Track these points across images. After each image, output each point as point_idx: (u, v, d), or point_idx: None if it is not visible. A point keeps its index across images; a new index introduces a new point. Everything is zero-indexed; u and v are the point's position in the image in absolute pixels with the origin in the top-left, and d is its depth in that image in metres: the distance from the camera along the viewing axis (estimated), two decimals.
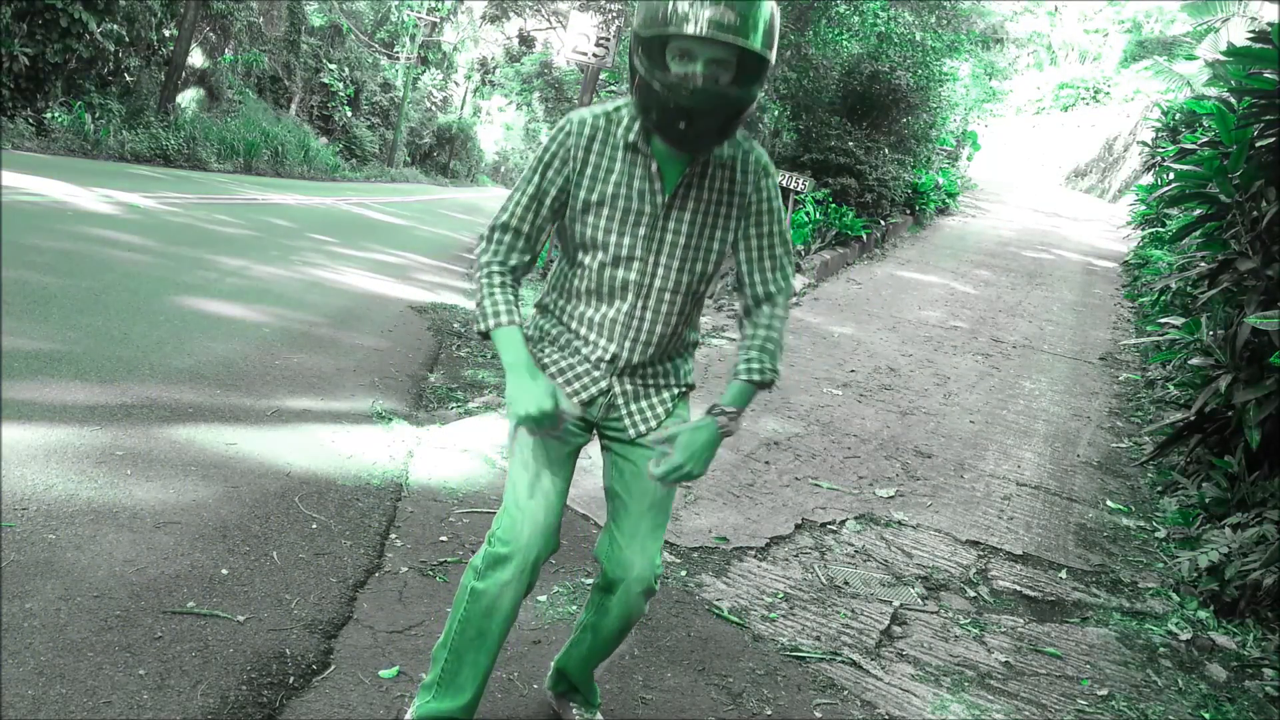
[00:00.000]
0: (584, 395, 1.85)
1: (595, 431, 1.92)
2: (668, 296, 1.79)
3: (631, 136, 1.73)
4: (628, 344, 1.81)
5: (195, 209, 9.87)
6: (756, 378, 1.81)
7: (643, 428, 1.87)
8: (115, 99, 15.39)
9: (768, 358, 1.83)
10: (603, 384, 1.84)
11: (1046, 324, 8.96)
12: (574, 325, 1.84)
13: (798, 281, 8.75)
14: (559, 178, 1.77)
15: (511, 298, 1.77)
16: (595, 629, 1.95)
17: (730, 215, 1.80)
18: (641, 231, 1.74)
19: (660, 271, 1.77)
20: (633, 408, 1.87)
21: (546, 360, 1.87)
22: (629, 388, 1.86)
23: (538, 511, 1.78)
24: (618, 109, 1.77)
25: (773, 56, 1.60)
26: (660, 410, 1.88)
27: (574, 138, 1.75)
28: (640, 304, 1.78)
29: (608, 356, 1.82)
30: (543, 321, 1.90)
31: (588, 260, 1.79)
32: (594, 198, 1.75)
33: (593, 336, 1.82)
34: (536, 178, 1.78)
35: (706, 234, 1.78)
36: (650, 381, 1.88)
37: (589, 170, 1.75)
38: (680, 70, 1.58)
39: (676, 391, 1.92)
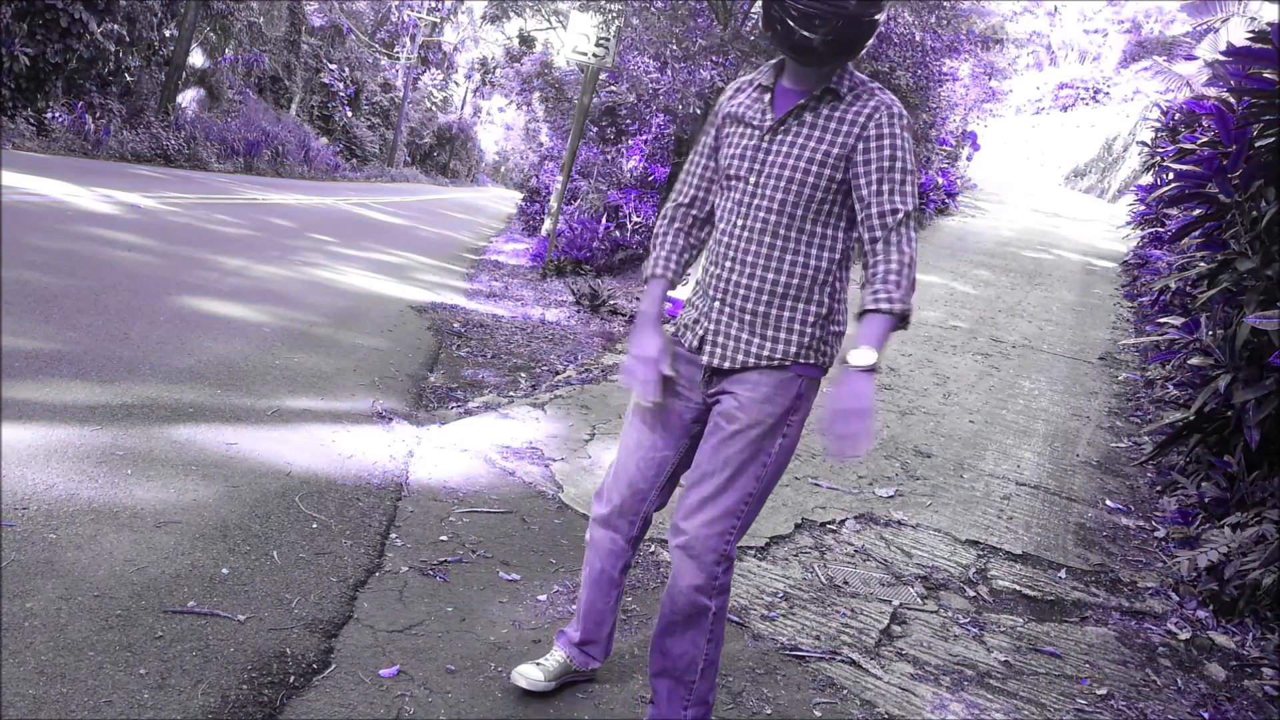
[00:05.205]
0: (693, 337, 1.96)
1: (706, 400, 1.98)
2: (765, 216, 1.87)
3: (764, 79, 1.94)
4: (727, 264, 1.90)
5: (195, 209, 9.88)
6: (884, 307, 1.72)
7: (718, 355, 1.90)
8: (116, 99, 15.41)
9: (894, 288, 1.73)
10: (703, 309, 1.94)
11: (1046, 324, 8.96)
12: (705, 262, 1.99)
13: None
14: (713, 129, 2.02)
15: (673, 252, 2.02)
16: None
17: (833, 144, 1.82)
18: (749, 151, 1.89)
19: (760, 190, 1.87)
20: (719, 338, 1.91)
21: (689, 306, 2.02)
22: (723, 317, 1.91)
23: (630, 467, 2.04)
24: (769, 68, 1.95)
25: None
26: (752, 350, 1.87)
27: (724, 95, 2.03)
28: (741, 221, 1.89)
29: (710, 279, 1.93)
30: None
31: (722, 193, 1.97)
32: (726, 130, 1.97)
33: (705, 263, 1.96)
34: (703, 137, 2.04)
35: (805, 157, 1.84)
36: (746, 317, 1.88)
37: (733, 112, 1.97)
38: None
39: (776, 349, 1.86)
